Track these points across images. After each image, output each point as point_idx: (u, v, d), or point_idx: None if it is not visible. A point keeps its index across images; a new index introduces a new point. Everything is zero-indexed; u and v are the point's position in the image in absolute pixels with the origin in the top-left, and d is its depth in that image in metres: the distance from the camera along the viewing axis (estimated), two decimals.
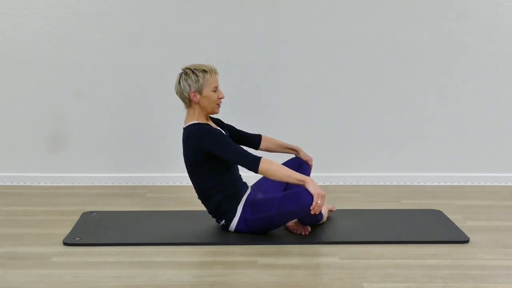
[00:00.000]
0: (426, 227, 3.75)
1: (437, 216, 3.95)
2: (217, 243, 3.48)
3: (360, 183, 4.77)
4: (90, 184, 4.71)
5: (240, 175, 3.67)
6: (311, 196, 3.34)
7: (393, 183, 4.78)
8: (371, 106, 4.71)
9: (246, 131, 3.86)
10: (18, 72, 4.61)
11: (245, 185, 3.66)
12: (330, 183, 4.72)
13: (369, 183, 4.77)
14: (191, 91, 3.49)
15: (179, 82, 3.53)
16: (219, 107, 3.59)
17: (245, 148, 3.64)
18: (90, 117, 4.68)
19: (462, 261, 3.26)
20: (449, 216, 3.94)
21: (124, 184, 4.73)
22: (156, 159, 4.74)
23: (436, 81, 4.69)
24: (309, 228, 3.59)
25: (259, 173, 3.41)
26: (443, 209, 4.09)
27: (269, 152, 3.90)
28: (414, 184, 4.77)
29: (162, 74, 4.63)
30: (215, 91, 3.53)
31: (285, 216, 3.47)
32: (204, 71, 3.52)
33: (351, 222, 3.80)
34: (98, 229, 3.70)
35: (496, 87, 4.70)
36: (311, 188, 3.34)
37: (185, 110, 3.58)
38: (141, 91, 4.66)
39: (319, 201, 3.33)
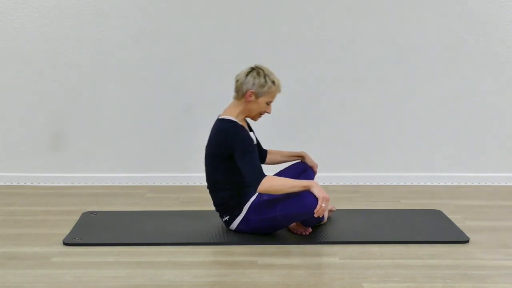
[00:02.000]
0: (426, 227, 3.75)
1: (437, 216, 3.95)
2: (217, 243, 3.48)
3: (360, 183, 4.77)
4: (90, 184, 4.71)
5: None
6: (315, 199, 3.34)
7: (393, 183, 4.78)
8: (371, 106, 4.71)
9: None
10: (18, 72, 4.61)
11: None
12: (330, 183, 4.72)
13: (369, 183, 4.77)
14: (251, 90, 3.48)
15: (247, 75, 3.51)
16: (259, 118, 3.60)
17: None
18: (90, 117, 4.68)
19: (462, 261, 3.27)
20: (449, 216, 3.94)
21: (124, 184, 4.73)
22: (156, 159, 4.74)
23: (436, 81, 4.69)
24: (310, 229, 3.59)
25: (259, 191, 3.40)
26: (443, 209, 4.09)
27: (276, 164, 3.88)
28: (414, 184, 4.77)
29: (162, 74, 4.63)
30: (268, 104, 3.54)
31: (289, 218, 3.47)
32: (273, 82, 3.51)
33: (351, 222, 3.80)
34: (98, 229, 3.70)
35: (496, 87, 4.70)
36: (316, 191, 3.35)
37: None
38: (141, 91, 4.66)
39: (323, 205, 3.33)
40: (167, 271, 3.12)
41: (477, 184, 4.77)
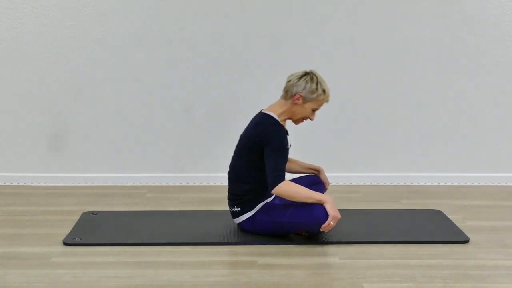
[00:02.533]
0: (426, 227, 3.76)
1: (437, 216, 3.95)
2: (217, 243, 3.48)
3: (360, 183, 4.77)
4: (90, 184, 4.71)
5: None
6: (325, 214, 3.35)
7: (393, 183, 4.78)
8: (371, 106, 4.71)
9: None
10: (18, 72, 4.61)
11: (271, 194, 3.62)
12: (330, 183, 4.71)
13: (369, 183, 4.77)
14: (301, 93, 3.48)
15: (300, 78, 3.50)
16: (300, 123, 3.62)
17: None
18: (90, 117, 4.68)
19: (462, 261, 3.26)
20: (449, 216, 3.94)
21: (124, 184, 4.73)
22: (157, 159, 4.74)
23: (436, 81, 4.69)
24: None
25: (273, 193, 3.40)
26: (443, 209, 4.09)
27: (291, 173, 3.87)
28: (414, 184, 4.77)
29: (162, 74, 4.64)
30: (313, 111, 3.54)
31: (295, 226, 3.47)
32: (324, 91, 3.51)
33: (351, 222, 3.80)
34: (98, 229, 3.70)
35: (496, 87, 4.70)
36: (329, 207, 3.36)
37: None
38: (141, 91, 4.66)
39: (332, 223, 3.34)
40: (167, 271, 3.12)
41: (477, 184, 4.77)
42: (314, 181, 3.78)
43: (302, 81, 3.49)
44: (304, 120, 3.61)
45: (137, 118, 4.70)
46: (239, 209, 3.58)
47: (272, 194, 3.59)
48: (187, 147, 4.72)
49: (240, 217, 3.59)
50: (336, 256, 3.32)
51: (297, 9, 4.59)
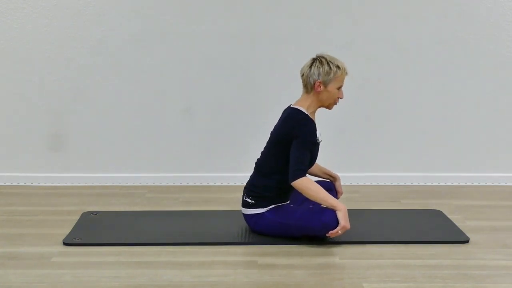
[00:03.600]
0: (426, 227, 3.75)
1: (437, 216, 3.95)
2: (217, 243, 3.48)
3: (360, 183, 4.77)
4: (90, 184, 4.71)
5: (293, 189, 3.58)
6: (334, 221, 3.35)
7: (393, 183, 4.78)
8: (371, 106, 4.71)
9: None
10: (18, 72, 4.61)
11: (288, 198, 3.60)
12: None
13: (369, 183, 4.77)
14: (318, 80, 3.47)
15: (311, 66, 3.49)
16: (335, 105, 3.57)
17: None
18: (90, 117, 4.68)
19: (462, 261, 3.26)
20: (449, 216, 3.94)
21: (124, 184, 4.73)
22: (156, 159, 4.74)
23: (436, 81, 4.69)
24: None
25: (293, 185, 3.38)
26: (443, 209, 4.09)
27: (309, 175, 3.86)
28: (414, 184, 4.77)
29: (161, 74, 4.63)
30: (338, 89, 3.52)
31: (302, 229, 3.45)
32: (338, 66, 3.49)
33: (351, 222, 3.78)
34: (98, 229, 3.70)
35: (496, 87, 4.70)
36: (341, 216, 3.35)
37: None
38: (141, 90, 4.66)
39: (340, 231, 3.34)
40: (167, 271, 3.12)
41: (477, 184, 4.77)
42: (328, 187, 3.73)
43: (314, 69, 3.47)
44: (336, 102, 3.57)
45: (137, 118, 4.69)
46: (253, 201, 3.54)
47: (288, 199, 3.58)
48: (187, 147, 4.72)
49: (250, 209, 3.55)
50: (336, 256, 3.32)
51: (297, 9, 4.59)
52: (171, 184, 4.74)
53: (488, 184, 4.76)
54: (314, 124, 3.52)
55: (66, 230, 3.66)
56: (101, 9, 4.55)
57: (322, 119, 4.71)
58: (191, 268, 3.17)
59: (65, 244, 3.47)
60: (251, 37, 4.60)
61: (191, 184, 4.74)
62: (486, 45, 4.63)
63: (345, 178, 4.77)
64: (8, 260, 3.25)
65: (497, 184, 4.76)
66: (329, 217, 3.36)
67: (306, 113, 3.50)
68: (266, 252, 3.37)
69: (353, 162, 4.77)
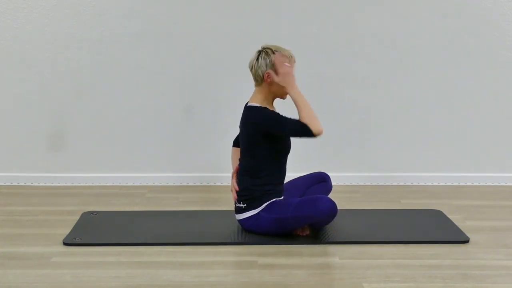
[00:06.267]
0: (426, 227, 3.75)
1: (437, 216, 3.95)
2: (217, 243, 3.48)
3: (360, 183, 4.77)
4: (90, 184, 4.71)
5: (283, 181, 3.64)
6: (329, 203, 3.37)
7: (393, 183, 4.78)
8: (371, 106, 4.71)
9: None
10: (18, 72, 4.61)
11: (281, 193, 3.62)
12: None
13: (369, 183, 4.77)
14: (267, 71, 3.49)
15: (257, 59, 3.52)
16: (287, 95, 3.57)
17: None
18: (90, 117, 4.68)
19: (462, 261, 3.27)
20: (449, 216, 3.94)
21: (124, 184, 4.73)
22: (156, 159, 4.74)
23: (436, 81, 4.69)
24: (308, 231, 3.57)
25: (316, 133, 3.44)
26: (443, 209, 4.09)
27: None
28: (414, 184, 4.77)
29: (162, 74, 4.63)
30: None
31: (300, 220, 3.45)
32: (284, 56, 3.51)
33: (351, 222, 3.80)
34: (98, 229, 3.70)
35: (496, 87, 4.70)
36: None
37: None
38: (141, 90, 4.66)
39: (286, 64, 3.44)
40: (167, 271, 3.12)
41: (477, 184, 4.77)
42: (323, 178, 3.80)
43: (261, 60, 3.51)
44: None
45: (137, 118, 4.69)
46: (245, 205, 3.55)
47: (281, 194, 3.60)
48: (187, 147, 4.72)
49: (244, 213, 3.56)
50: (336, 256, 3.32)
51: (297, 9, 4.60)
52: (171, 184, 4.74)
53: (488, 184, 4.76)
54: (266, 107, 3.52)
55: (66, 230, 3.66)
56: (101, 9, 4.55)
57: (322, 119, 4.72)
58: (191, 268, 3.17)
59: (65, 244, 3.47)
60: (251, 37, 4.60)
61: (191, 184, 4.74)
62: (486, 45, 4.63)
63: (345, 178, 4.78)
64: (8, 260, 3.25)
65: (497, 184, 4.76)
66: (322, 202, 3.38)
67: (260, 106, 3.52)
68: (266, 252, 3.37)
69: (353, 162, 4.77)
